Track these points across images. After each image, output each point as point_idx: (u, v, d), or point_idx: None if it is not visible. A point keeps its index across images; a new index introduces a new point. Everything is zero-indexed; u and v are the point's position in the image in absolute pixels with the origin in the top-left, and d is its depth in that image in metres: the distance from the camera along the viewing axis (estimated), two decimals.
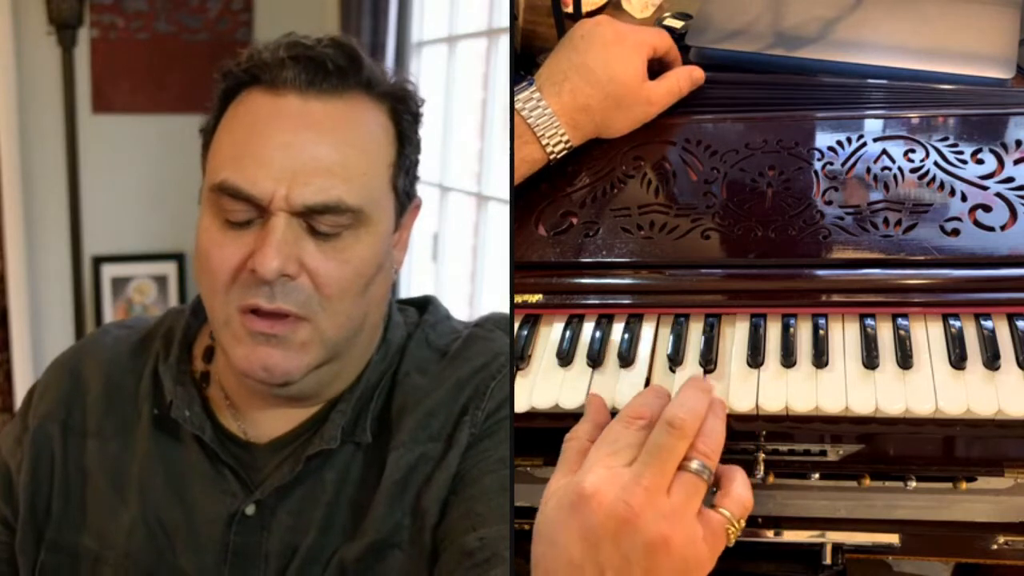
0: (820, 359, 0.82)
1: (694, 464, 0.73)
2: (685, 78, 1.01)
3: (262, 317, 0.80)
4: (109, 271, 3.02)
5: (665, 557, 0.69)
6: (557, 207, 0.95)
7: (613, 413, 0.82)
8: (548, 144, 0.94)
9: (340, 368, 0.87)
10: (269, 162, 0.79)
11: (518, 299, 0.90)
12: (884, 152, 0.93)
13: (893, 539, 0.88)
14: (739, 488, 0.75)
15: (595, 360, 0.85)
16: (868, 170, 0.92)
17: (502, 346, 0.89)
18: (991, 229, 0.86)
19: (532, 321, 0.90)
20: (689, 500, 0.71)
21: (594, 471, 0.72)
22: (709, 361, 0.83)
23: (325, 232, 0.80)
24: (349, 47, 0.83)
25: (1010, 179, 0.89)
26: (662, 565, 0.69)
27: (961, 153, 0.92)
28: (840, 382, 0.80)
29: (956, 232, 0.87)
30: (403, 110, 0.86)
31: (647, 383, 0.84)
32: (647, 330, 0.88)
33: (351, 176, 0.81)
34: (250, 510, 0.86)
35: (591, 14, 1.17)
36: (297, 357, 0.82)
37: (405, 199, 0.87)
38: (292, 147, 0.80)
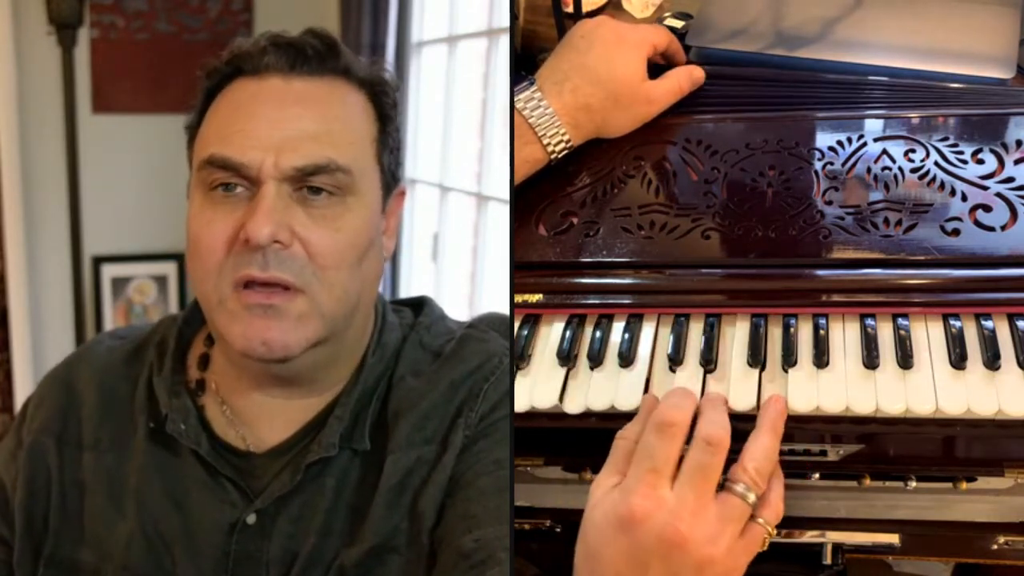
0: (820, 359, 0.82)
1: (740, 487, 0.75)
2: (685, 78, 1.01)
3: (257, 289, 0.80)
4: (109, 271, 3.02)
5: (709, 574, 0.72)
6: (557, 207, 0.95)
7: (614, 414, 0.83)
8: (549, 144, 0.94)
9: (337, 351, 0.87)
10: (256, 134, 0.81)
11: (518, 299, 0.90)
12: (884, 152, 0.93)
13: (893, 539, 0.88)
14: (776, 497, 0.77)
15: (595, 360, 0.85)
16: (868, 170, 0.92)
17: (496, 347, 0.89)
18: (991, 229, 0.86)
19: (532, 321, 0.90)
20: (732, 524, 0.74)
21: (639, 492, 0.73)
22: (709, 361, 0.83)
23: (317, 190, 0.81)
24: (327, 36, 0.86)
25: (1010, 179, 0.89)
26: None
27: (961, 153, 0.92)
28: (840, 382, 0.80)
29: (956, 232, 0.87)
30: (381, 93, 0.88)
31: (647, 383, 0.84)
32: (647, 330, 0.88)
33: (338, 142, 0.82)
34: (251, 519, 0.85)
35: (591, 14, 1.17)
36: (295, 330, 0.81)
37: (391, 179, 0.88)
38: (278, 121, 0.81)
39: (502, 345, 0.89)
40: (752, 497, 0.75)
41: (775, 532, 0.76)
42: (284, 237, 0.80)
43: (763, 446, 0.76)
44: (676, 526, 0.71)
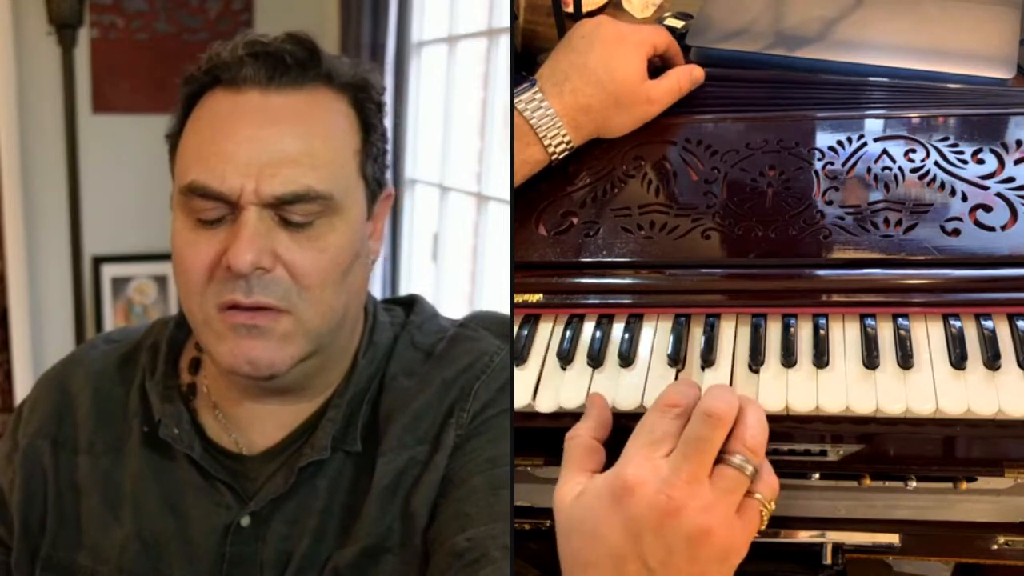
0: (820, 359, 0.82)
1: (737, 459, 0.73)
2: (685, 77, 1.01)
3: (242, 310, 0.80)
4: (109, 271, 3.01)
5: (706, 547, 0.70)
6: (557, 207, 0.95)
7: (614, 414, 0.83)
8: (550, 145, 0.95)
9: (325, 360, 0.87)
10: (235, 158, 0.80)
11: (518, 299, 0.90)
12: (884, 152, 0.93)
13: (893, 539, 0.88)
14: (770, 474, 0.76)
15: (595, 360, 0.85)
16: (868, 170, 0.92)
17: (487, 345, 0.89)
18: (991, 229, 0.87)
19: (532, 321, 0.90)
20: (729, 494, 0.72)
21: (634, 462, 0.72)
22: (709, 361, 0.83)
23: (298, 223, 0.80)
24: (307, 41, 0.84)
25: (1010, 179, 0.89)
26: (703, 554, 0.70)
27: (961, 153, 0.92)
28: (840, 382, 0.80)
29: (956, 232, 0.87)
30: (365, 99, 0.86)
31: (647, 383, 0.84)
32: (647, 330, 0.88)
33: (318, 164, 0.81)
34: (245, 521, 0.85)
35: (591, 14, 1.17)
36: (281, 349, 0.81)
37: (376, 187, 0.87)
38: (256, 141, 0.80)
39: (493, 343, 0.89)
40: (750, 469, 0.73)
41: (772, 509, 0.75)
42: (267, 263, 0.79)
43: (756, 416, 0.75)
44: (669, 493, 0.70)
